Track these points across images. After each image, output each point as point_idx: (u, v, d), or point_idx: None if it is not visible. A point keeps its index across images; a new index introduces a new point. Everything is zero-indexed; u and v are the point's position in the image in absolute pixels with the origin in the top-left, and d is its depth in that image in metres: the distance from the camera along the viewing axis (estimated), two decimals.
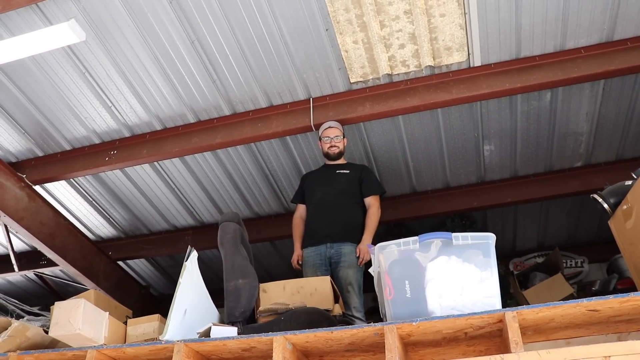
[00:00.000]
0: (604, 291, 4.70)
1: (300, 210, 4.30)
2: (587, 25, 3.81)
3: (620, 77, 4.17)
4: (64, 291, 6.55)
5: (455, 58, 4.04)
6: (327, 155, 4.23)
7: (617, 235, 2.74)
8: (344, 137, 4.25)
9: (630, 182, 2.67)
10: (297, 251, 4.07)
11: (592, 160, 4.90)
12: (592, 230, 5.77)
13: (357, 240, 3.89)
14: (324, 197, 4.09)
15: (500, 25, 3.79)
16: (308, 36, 3.87)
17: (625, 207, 2.66)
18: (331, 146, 4.18)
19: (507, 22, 3.77)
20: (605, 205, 2.75)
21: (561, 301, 2.17)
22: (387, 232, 5.50)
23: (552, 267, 4.95)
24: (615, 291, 4.66)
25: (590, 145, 4.75)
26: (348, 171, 4.18)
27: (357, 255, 3.80)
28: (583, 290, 5.13)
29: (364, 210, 4.09)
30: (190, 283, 2.76)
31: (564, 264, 5.33)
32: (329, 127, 4.19)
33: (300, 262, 4.00)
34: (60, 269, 5.64)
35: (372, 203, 4.07)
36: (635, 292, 2.11)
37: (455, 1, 3.67)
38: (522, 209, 5.50)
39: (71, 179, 5.09)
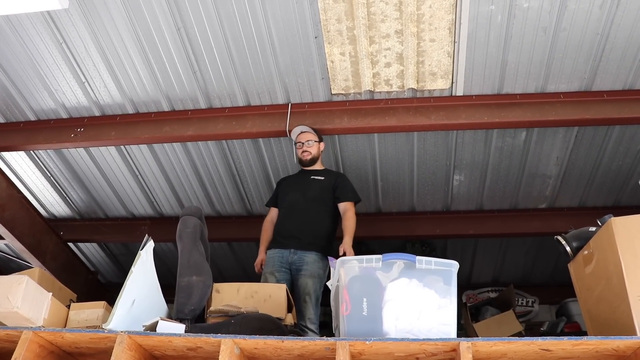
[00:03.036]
0: (551, 332, 4.77)
1: (272, 214, 4.19)
2: (569, 72, 3.89)
3: (593, 127, 4.27)
4: (6, 267, 6.30)
5: (438, 84, 4.07)
6: (300, 162, 4.17)
7: (575, 279, 2.76)
8: (319, 142, 4.17)
9: (594, 229, 2.70)
10: (261, 255, 3.96)
11: (556, 203, 5.00)
12: (547, 272, 5.88)
13: (322, 249, 3.80)
14: (295, 203, 4.00)
15: (487, 58, 3.83)
16: (296, 41, 3.83)
17: (586, 252, 2.68)
18: (303, 151, 4.10)
19: (494, 56, 3.82)
20: (568, 248, 2.77)
21: (515, 337, 2.16)
22: None
23: (504, 303, 5.00)
24: (562, 333, 4.74)
25: (557, 189, 4.84)
26: (323, 178, 4.08)
27: (341, 254, 3.60)
28: (531, 329, 5.20)
29: (333, 220, 4.00)
30: (143, 273, 2.65)
31: (516, 302, 5.40)
32: (301, 132, 4.13)
33: (262, 265, 3.89)
34: (6, 242, 5.41)
35: (348, 208, 3.95)
36: (589, 337, 2.12)
37: (447, 28, 3.69)
38: (482, 242, 5.57)
39: (31, 151, 4.91)
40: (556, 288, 5.83)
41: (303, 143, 4.11)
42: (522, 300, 5.57)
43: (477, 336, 4.40)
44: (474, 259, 5.76)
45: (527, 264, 5.82)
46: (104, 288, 6.28)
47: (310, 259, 3.74)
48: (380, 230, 5.22)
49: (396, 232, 5.22)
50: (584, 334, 4.35)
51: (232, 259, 5.97)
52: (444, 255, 5.62)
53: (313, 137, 4.12)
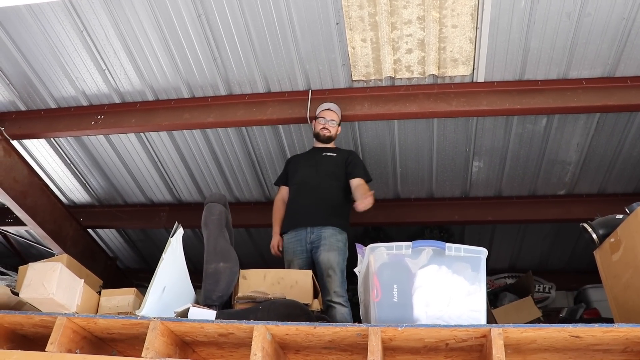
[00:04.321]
0: (570, 319, 4.77)
1: (283, 192, 4.12)
2: (592, 58, 3.85)
3: (615, 113, 4.24)
4: (27, 253, 6.38)
5: (459, 71, 4.04)
6: (317, 136, 4.09)
7: (602, 266, 2.76)
8: (339, 125, 4.13)
9: (621, 216, 2.70)
10: (277, 236, 3.91)
11: (575, 190, 4.97)
12: (564, 258, 5.87)
13: (339, 224, 3.74)
14: (307, 179, 3.93)
15: (509, 45, 3.80)
16: (317, 27, 3.82)
17: (613, 240, 2.68)
18: (324, 127, 4.04)
19: (517, 43, 3.79)
20: (594, 236, 2.77)
21: (545, 324, 2.17)
22: (365, 234, 5.50)
23: (522, 289, 5.02)
24: (581, 320, 4.74)
25: (576, 176, 4.82)
26: (335, 154, 4.04)
27: (361, 207, 3.46)
28: (548, 315, 5.20)
29: (346, 195, 3.91)
30: (172, 260, 2.68)
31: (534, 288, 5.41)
32: (328, 109, 4.07)
33: (280, 249, 3.85)
34: (27, 229, 5.48)
35: (360, 183, 3.81)
36: (620, 324, 2.12)
37: (469, 14, 3.67)
38: (500, 228, 5.57)
39: (52, 139, 4.95)
40: (573, 274, 5.83)
41: (327, 120, 4.04)
42: (539, 286, 5.57)
43: (496, 322, 4.43)
44: (491, 245, 5.76)
45: (545, 250, 5.81)
46: (123, 274, 6.35)
47: (327, 233, 3.67)
48: (398, 216, 5.23)
49: (414, 218, 5.22)
50: (604, 320, 4.36)
51: (250, 245, 6.00)
52: (461, 241, 5.60)
53: (337, 119, 4.08)
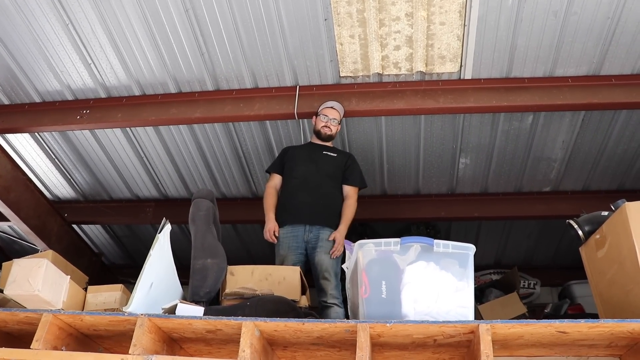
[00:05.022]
0: (555, 314, 4.83)
1: (275, 180, 4.04)
2: (577, 56, 3.88)
3: (600, 111, 4.29)
4: (10, 249, 6.30)
5: (447, 68, 4.06)
6: (318, 134, 4.06)
7: (587, 262, 2.79)
8: (339, 124, 4.11)
9: (606, 213, 2.73)
10: (272, 222, 3.78)
11: (560, 187, 5.03)
12: (549, 254, 5.94)
13: (336, 226, 3.76)
14: (309, 176, 3.89)
15: (496, 42, 3.83)
16: (305, 23, 3.81)
17: (598, 236, 2.71)
18: (325, 126, 4.01)
19: (504, 40, 3.81)
20: (580, 232, 2.79)
21: (533, 320, 2.20)
22: (352, 230, 5.45)
23: (508, 285, 5.06)
24: (566, 315, 4.80)
25: (561, 173, 4.87)
26: (335, 155, 4.03)
27: (331, 240, 3.66)
28: (533, 311, 5.26)
29: (342, 197, 3.93)
30: (160, 256, 2.66)
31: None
32: (331, 107, 4.05)
33: (276, 234, 3.75)
34: (10, 224, 5.40)
35: (351, 195, 3.90)
36: (605, 320, 2.15)
37: (457, 12, 3.68)
38: (485, 225, 5.61)
39: (36, 133, 4.89)
40: (558, 271, 5.90)
41: (330, 119, 4.02)
42: (524, 282, 5.62)
43: (482, 318, 4.47)
44: (477, 241, 5.79)
45: (530, 246, 5.87)
46: (108, 270, 6.30)
47: (325, 235, 3.70)
48: (385, 213, 5.25)
49: (401, 214, 5.25)
50: (588, 316, 4.43)
51: (237, 241, 5.98)
52: (447, 238, 5.68)
53: (339, 117, 4.07)
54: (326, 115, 4.03)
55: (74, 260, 5.34)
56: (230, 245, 6.02)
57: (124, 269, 6.41)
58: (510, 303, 4.72)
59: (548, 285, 5.93)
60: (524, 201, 5.09)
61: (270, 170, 4.17)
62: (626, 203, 2.49)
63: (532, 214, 5.09)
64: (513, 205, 5.10)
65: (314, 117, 4.13)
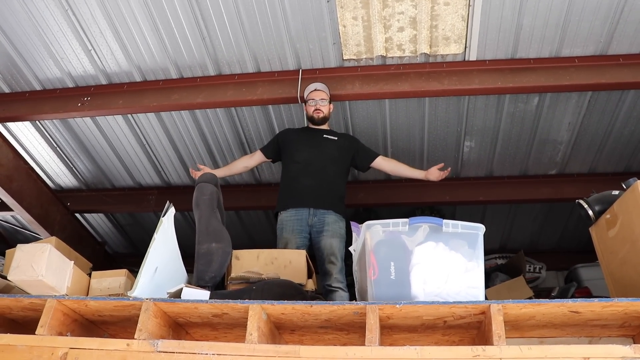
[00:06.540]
0: (562, 298, 4.79)
1: (256, 157, 4.14)
2: (584, 36, 3.82)
3: (607, 91, 4.23)
4: (13, 238, 6.29)
5: (451, 49, 4.00)
6: (312, 119, 4.02)
7: (598, 242, 2.75)
8: (330, 103, 4.06)
9: (617, 192, 2.69)
10: (211, 170, 3.91)
11: (566, 170, 4.98)
12: (554, 238, 5.90)
13: (340, 211, 3.75)
14: (312, 160, 3.87)
15: (501, 22, 3.77)
16: (308, 5, 3.75)
17: (609, 216, 2.67)
18: (316, 109, 3.98)
19: (509, 20, 3.75)
20: (590, 212, 2.75)
21: (545, 299, 2.16)
22: (356, 215, 5.46)
23: (514, 269, 5.03)
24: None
25: (567, 155, 4.82)
26: (336, 138, 4.01)
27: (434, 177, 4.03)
28: (539, 295, 5.22)
29: (345, 181, 3.99)
30: (164, 240, 2.62)
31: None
32: (315, 89, 4.02)
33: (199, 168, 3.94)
34: (13, 214, 5.38)
35: (384, 161, 4.14)
36: (619, 299, 2.12)
37: None
38: (491, 208, 5.57)
39: (37, 121, 4.85)
40: (563, 254, 5.87)
41: (317, 101, 3.98)
42: (530, 266, 5.59)
43: None
44: None
45: (535, 230, 5.83)
46: (111, 258, 6.29)
47: (330, 219, 3.69)
48: (389, 197, 5.22)
49: (405, 199, 5.20)
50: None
51: (239, 227, 5.95)
52: None
53: (326, 96, 4.02)
54: (313, 99, 4.00)
55: (77, 250, 5.30)
56: (233, 232, 5.90)
57: (127, 258, 6.39)
58: (517, 287, 4.70)
59: (554, 269, 5.90)
60: (530, 184, 5.05)
61: (261, 149, 4.17)
62: (638, 181, 2.45)
63: (537, 198, 5.05)
64: (518, 189, 5.06)
65: (304, 104, 4.10)
